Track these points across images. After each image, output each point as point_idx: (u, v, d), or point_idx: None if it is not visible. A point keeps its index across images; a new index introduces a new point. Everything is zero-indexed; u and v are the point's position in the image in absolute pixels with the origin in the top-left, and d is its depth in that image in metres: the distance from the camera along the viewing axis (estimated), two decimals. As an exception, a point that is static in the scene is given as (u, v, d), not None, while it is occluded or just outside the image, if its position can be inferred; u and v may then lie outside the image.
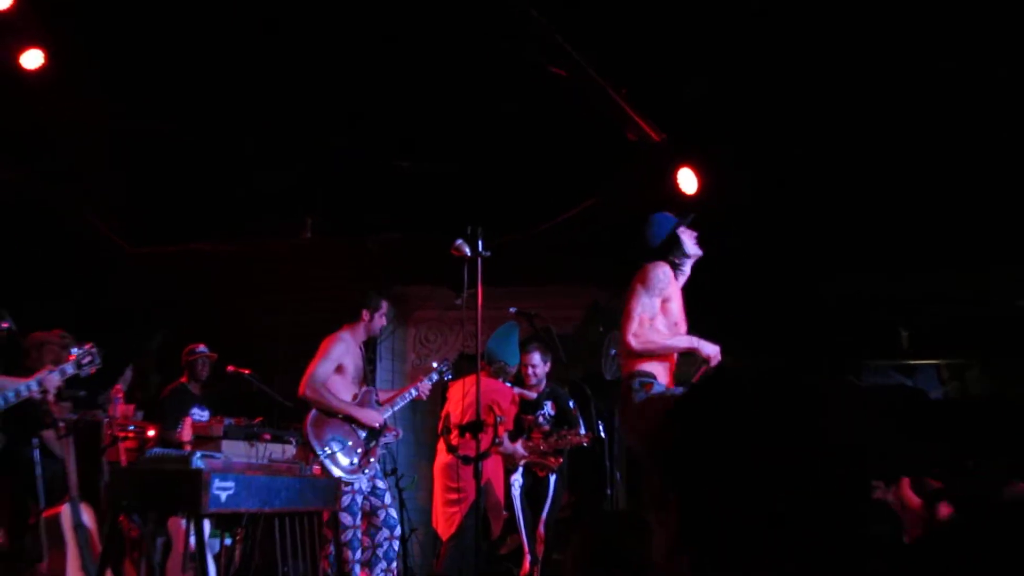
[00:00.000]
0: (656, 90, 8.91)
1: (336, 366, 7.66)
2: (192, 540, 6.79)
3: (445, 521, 8.05)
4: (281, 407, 8.72)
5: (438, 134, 9.84)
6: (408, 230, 10.72)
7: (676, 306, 6.00)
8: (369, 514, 7.61)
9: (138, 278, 11.40)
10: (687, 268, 6.15)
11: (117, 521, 6.02)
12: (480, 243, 6.36)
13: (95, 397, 9.11)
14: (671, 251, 6.05)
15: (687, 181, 9.25)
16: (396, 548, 7.65)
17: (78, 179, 10.68)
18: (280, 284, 11.35)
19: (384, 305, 7.96)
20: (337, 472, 7.33)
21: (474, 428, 6.46)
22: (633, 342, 5.77)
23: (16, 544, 7.66)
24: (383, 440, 7.76)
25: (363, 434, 7.62)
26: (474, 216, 6.51)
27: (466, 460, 7.53)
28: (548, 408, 8.52)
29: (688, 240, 6.10)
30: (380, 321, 7.93)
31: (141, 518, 6.67)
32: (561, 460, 8.31)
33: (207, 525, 7.80)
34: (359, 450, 7.54)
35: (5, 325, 7.44)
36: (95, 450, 8.13)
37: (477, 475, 6.44)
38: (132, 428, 8.56)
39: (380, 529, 7.62)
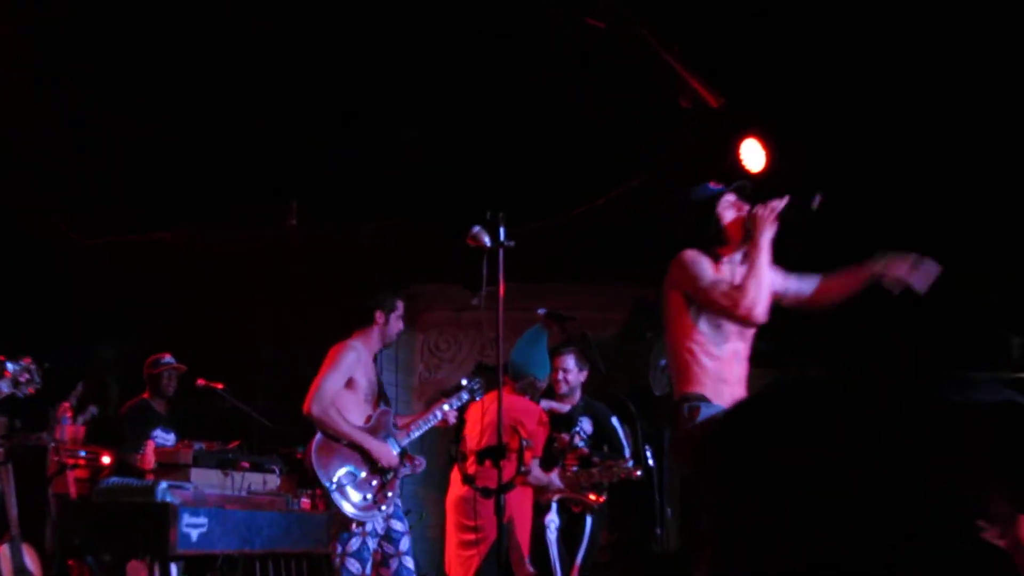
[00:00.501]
0: (714, 46, 8.92)
1: (346, 380, 7.61)
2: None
3: (460, 566, 8.07)
4: (262, 428, 8.76)
5: (450, 100, 9.87)
6: (414, 216, 10.73)
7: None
8: (379, 564, 7.54)
9: (93, 275, 11.45)
10: (734, 255, 6.01)
11: (66, 565, 6.08)
12: (502, 231, 6.34)
13: (37, 417, 9.19)
14: (707, 234, 5.93)
15: (752, 155, 9.23)
16: None
17: (24, 162, 10.74)
18: (260, 281, 11.40)
19: (400, 306, 7.82)
20: (347, 509, 7.27)
21: (495, 454, 6.46)
22: (755, 308, 5.64)
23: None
24: (402, 472, 7.66)
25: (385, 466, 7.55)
26: (494, 199, 6.50)
27: (485, 493, 7.49)
28: (585, 425, 8.53)
29: (730, 217, 5.88)
30: (397, 325, 7.79)
31: (96, 561, 6.71)
32: (603, 499, 8.30)
33: (174, 570, 7.87)
34: (373, 483, 7.46)
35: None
36: (39, 480, 8.18)
37: (499, 511, 6.41)
38: (83, 454, 8.60)
39: None
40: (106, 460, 8.68)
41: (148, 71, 9.78)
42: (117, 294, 11.36)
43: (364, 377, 7.63)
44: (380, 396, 7.79)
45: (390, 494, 7.43)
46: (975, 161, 9.30)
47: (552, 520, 8.25)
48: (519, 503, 8.10)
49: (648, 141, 9.77)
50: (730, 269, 5.97)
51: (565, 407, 8.55)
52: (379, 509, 7.35)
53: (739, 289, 5.66)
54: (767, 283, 5.70)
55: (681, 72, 9.02)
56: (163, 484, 5.65)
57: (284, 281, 11.31)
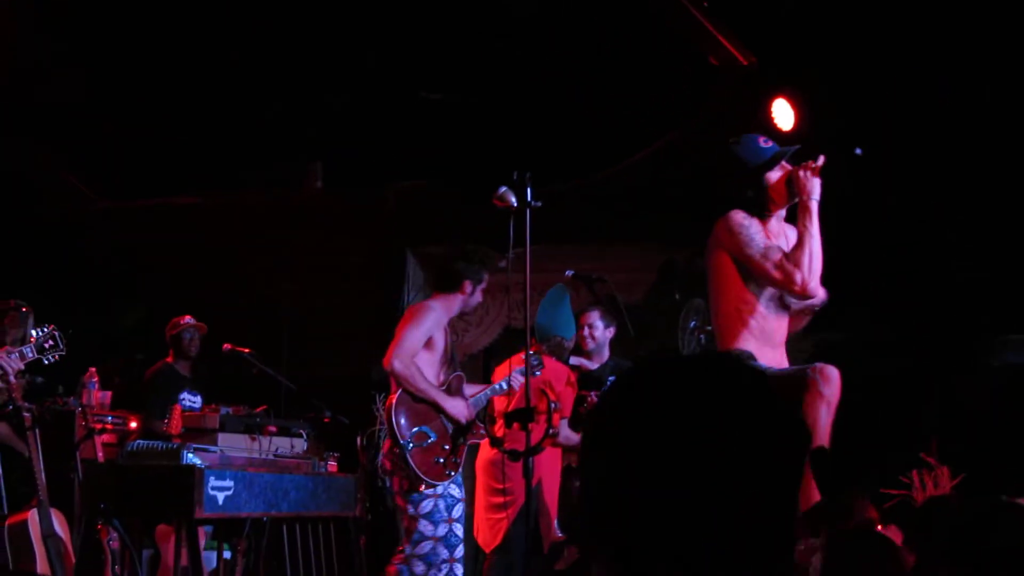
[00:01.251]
0: (745, 3, 8.85)
1: (426, 339, 7.57)
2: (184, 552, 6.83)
3: (488, 530, 8.06)
4: (288, 392, 8.75)
5: (476, 59, 9.81)
6: (440, 177, 10.69)
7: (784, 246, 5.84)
8: None
9: (115, 239, 11.47)
10: (780, 213, 5.95)
11: (93, 529, 6.08)
12: (529, 191, 6.28)
13: (63, 383, 9.21)
14: (748, 195, 5.86)
15: (783, 114, 9.17)
16: (459, 573, 7.53)
17: (38, 121, 10.73)
18: (284, 244, 11.38)
19: (486, 279, 7.65)
20: (419, 469, 7.27)
21: (523, 416, 6.43)
22: (811, 284, 5.57)
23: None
24: (470, 440, 7.60)
25: (451, 429, 7.50)
26: (522, 159, 6.45)
27: (514, 456, 7.47)
28: None
29: (776, 181, 5.82)
30: (478, 298, 7.65)
31: (122, 525, 6.72)
32: None
33: (203, 533, 7.88)
34: (446, 446, 7.42)
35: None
36: (67, 445, 8.20)
37: (527, 474, 6.39)
38: (110, 419, 8.63)
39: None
40: (133, 425, 8.70)
41: (171, 32, 9.76)
42: (140, 258, 11.37)
43: (442, 340, 7.56)
44: (452, 363, 7.71)
45: (458, 460, 7.39)
46: (1009, 122, 9.22)
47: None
48: (548, 466, 8.09)
49: (677, 100, 9.71)
50: (777, 225, 5.90)
51: (593, 365, 8.51)
52: (448, 474, 7.32)
53: (793, 262, 5.58)
54: (819, 253, 5.64)
55: (711, 29, 8.94)
56: (189, 447, 5.64)
57: (309, 244, 11.29)
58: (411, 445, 7.16)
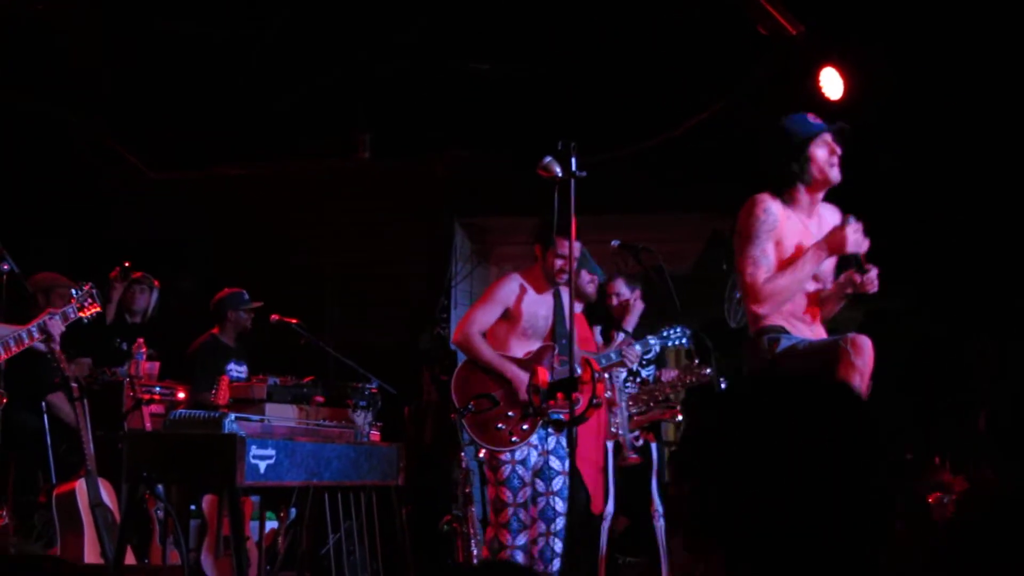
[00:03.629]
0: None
1: (503, 311, 7.55)
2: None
3: None
4: (337, 363, 8.76)
5: (523, 29, 9.76)
6: (487, 147, 10.65)
7: (791, 245, 5.78)
8: (528, 499, 7.48)
9: (163, 209, 11.51)
10: (813, 196, 5.88)
11: (136, 495, 6.10)
12: (574, 161, 6.24)
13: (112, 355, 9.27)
14: (790, 170, 5.80)
15: (832, 83, 9.09)
16: (556, 547, 7.50)
17: (89, 92, 10.77)
18: (331, 215, 11.39)
19: (561, 244, 7.37)
20: (476, 435, 7.29)
21: (567, 386, 6.42)
22: (761, 309, 5.63)
23: (25, 525, 7.82)
24: (553, 412, 7.53)
25: (520, 396, 7.50)
26: (567, 130, 6.40)
27: (558, 426, 7.48)
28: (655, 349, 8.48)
29: (823, 158, 5.83)
30: (553, 262, 7.53)
31: (165, 493, 6.74)
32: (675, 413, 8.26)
33: (251, 504, 7.91)
34: (510, 413, 7.41)
35: (5, 267, 7.57)
36: (115, 416, 8.24)
37: (571, 443, 6.38)
38: (158, 390, 8.66)
39: (536, 521, 7.45)
40: (181, 396, 8.74)
41: (221, 2, 9.77)
42: (189, 229, 11.40)
43: (528, 311, 7.55)
44: (553, 333, 7.66)
45: (526, 427, 7.36)
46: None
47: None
48: (595, 431, 8.06)
49: (725, 69, 9.63)
50: (810, 204, 5.84)
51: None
52: (512, 440, 7.31)
53: (770, 280, 5.58)
54: (796, 288, 5.65)
55: (759, -2, 8.87)
56: (231, 416, 5.65)
57: (356, 214, 11.29)
58: (465, 412, 7.17)
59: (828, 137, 5.79)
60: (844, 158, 5.83)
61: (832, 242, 5.64)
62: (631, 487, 8.38)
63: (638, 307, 8.77)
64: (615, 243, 8.36)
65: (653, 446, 8.43)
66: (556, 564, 7.30)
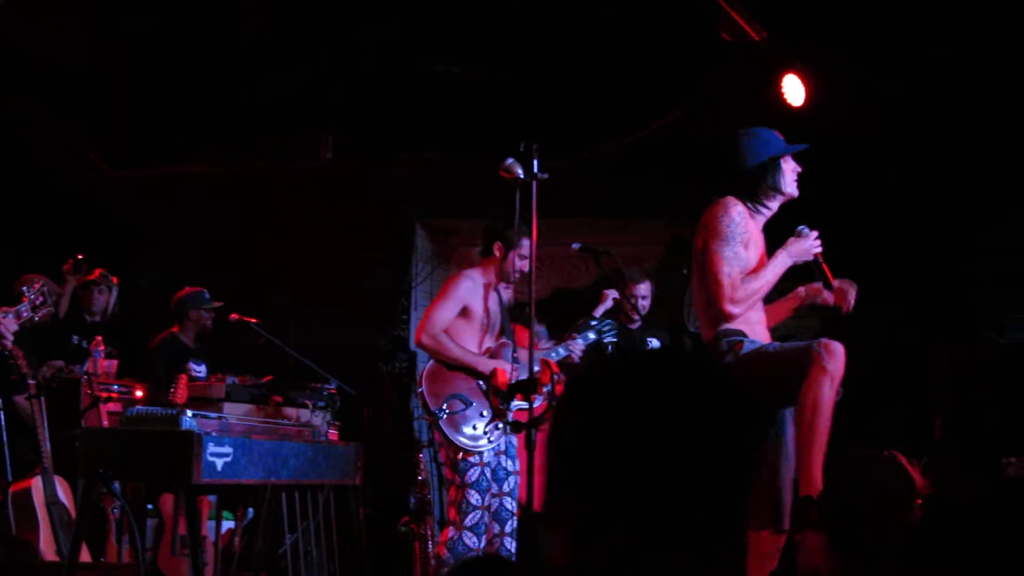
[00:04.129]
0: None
1: (460, 309, 7.53)
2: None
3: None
4: (295, 363, 8.74)
5: (487, 32, 9.77)
6: (450, 149, 10.65)
7: (755, 253, 5.85)
8: None
9: (123, 207, 11.45)
10: (773, 206, 5.98)
11: (91, 493, 6.05)
12: (535, 163, 6.24)
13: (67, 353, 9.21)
14: (761, 181, 5.86)
15: (794, 90, 9.13)
16: (510, 547, 7.48)
17: (50, 89, 10.71)
18: (293, 215, 11.36)
19: (525, 245, 7.35)
20: (459, 439, 7.25)
21: (526, 388, 6.41)
22: (735, 309, 5.66)
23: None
24: (514, 406, 7.53)
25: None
26: (531, 132, 6.40)
27: (515, 427, 7.45)
28: (655, 343, 8.47)
29: (789, 173, 5.90)
30: (516, 263, 7.52)
31: (122, 490, 6.70)
32: None
33: (210, 502, 7.87)
34: (484, 413, 7.40)
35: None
36: (72, 414, 8.19)
37: (530, 445, 6.36)
38: (116, 387, 8.61)
39: (491, 523, 7.41)
40: (139, 394, 8.69)
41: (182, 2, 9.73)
42: (149, 226, 11.35)
43: (481, 308, 7.51)
44: (503, 331, 7.68)
45: (500, 426, 7.34)
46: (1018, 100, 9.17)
47: None
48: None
49: (688, 74, 9.66)
50: (757, 225, 5.89)
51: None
52: (488, 440, 7.29)
53: (742, 284, 5.61)
54: (764, 291, 5.76)
55: (723, 4, 8.88)
56: (188, 413, 5.62)
57: (318, 215, 11.27)
58: (443, 414, 7.14)
59: (789, 156, 5.88)
60: (805, 166, 5.91)
61: (796, 251, 5.71)
62: None
63: (610, 300, 8.74)
64: (575, 246, 8.37)
65: None
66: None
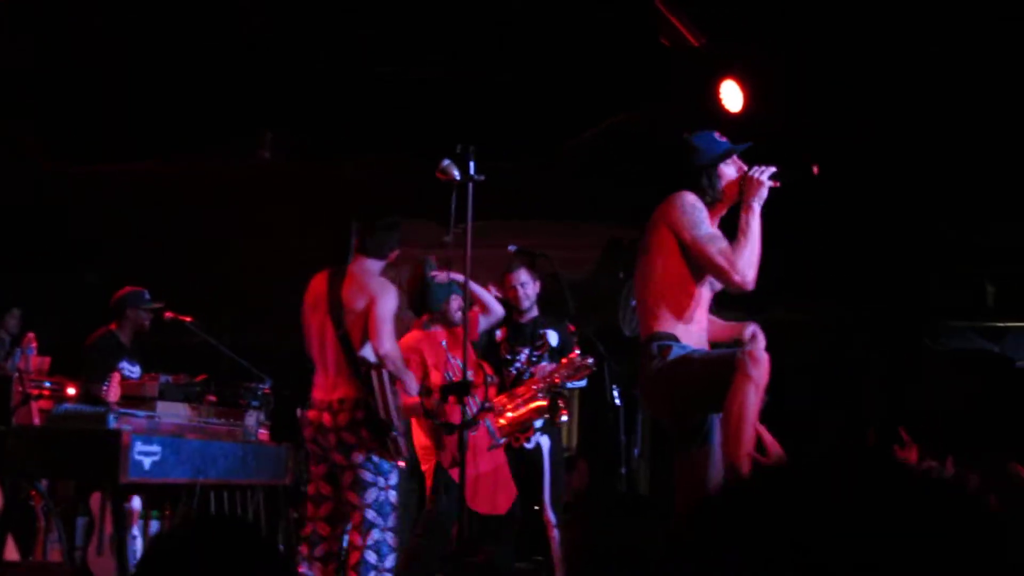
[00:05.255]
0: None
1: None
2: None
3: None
4: (230, 362, 8.70)
5: (428, 34, 9.75)
6: (389, 150, 10.62)
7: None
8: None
9: (66, 203, 11.36)
10: (720, 213, 5.97)
11: (17, 491, 6.01)
12: (471, 166, 6.24)
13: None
14: (702, 185, 5.86)
15: (732, 96, 9.16)
16: (391, 542, 7.42)
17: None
18: (235, 214, 11.30)
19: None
20: (399, 461, 7.17)
21: (459, 390, 6.41)
22: (748, 276, 5.57)
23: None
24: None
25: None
26: (470, 134, 6.40)
27: (448, 429, 7.44)
28: (551, 338, 8.40)
29: (731, 176, 5.81)
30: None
31: (49, 489, 6.64)
32: (547, 403, 8.12)
33: (137, 501, 7.81)
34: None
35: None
36: (2, 411, 8.11)
37: (462, 447, 6.37)
38: (48, 384, 8.53)
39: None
40: (71, 391, 8.61)
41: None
42: (92, 224, 11.28)
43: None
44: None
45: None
46: (957, 109, 9.24)
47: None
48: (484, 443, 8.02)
49: (626, 81, 9.67)
50: (716, 221, 5.91)
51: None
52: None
53: (734, 252, 5.59)
54: (759, 249, 5.64)
55: (662, 9, 8.89)
56: (116, 411, 5.58)
57: (257, 215, 11.22)
58: (399, 433, 7.04)
59: (735, 156, 5.86)
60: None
61: (750, 192, 5.67)
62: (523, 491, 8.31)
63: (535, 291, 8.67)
64: (512, 248, 8.34)
65: (545, 450, 8.30)
66: (390, 560, 7.15)
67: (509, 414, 8.04)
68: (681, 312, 5.74)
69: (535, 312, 8.46)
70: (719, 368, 5.47)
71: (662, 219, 5.75)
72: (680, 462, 5.83)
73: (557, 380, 8.05)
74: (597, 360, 8.10)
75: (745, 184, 5.71)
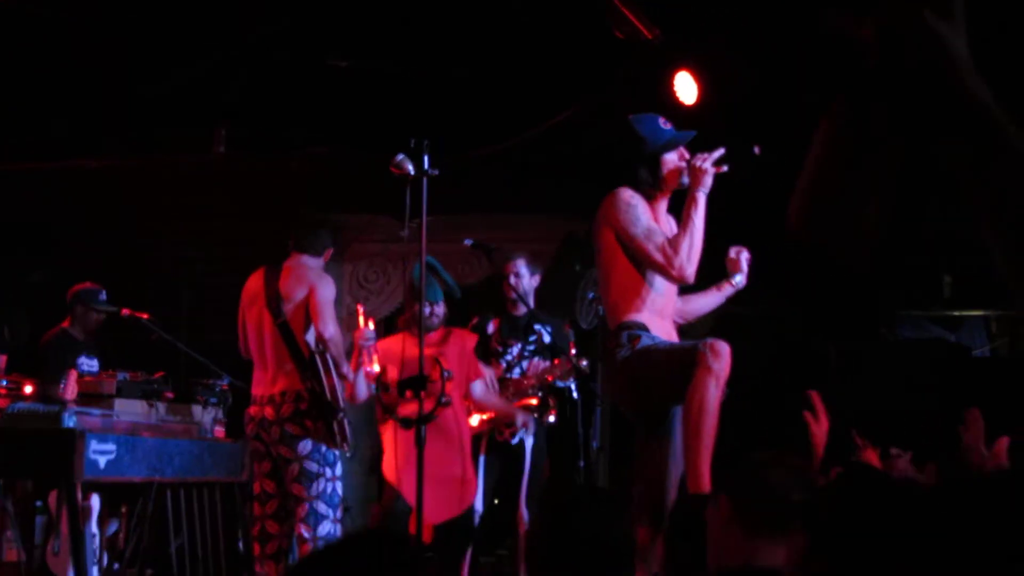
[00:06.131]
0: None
1: None
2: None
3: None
4: (187, 359, 8.66)
5: (382, 26, 9.72)
6: (344, 144, 10.59)
7: (667, 229, 5.87)
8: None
9: (15, 200, 11.27)
10: (664, 200, 5.97)
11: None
12: (426, 159, 6.21)
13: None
14: (642, 174, 5.85)
15: (686, 88, 9.16)
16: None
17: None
18: (185, 210, 11.24)
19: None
20: (344, 446, 7.16)
21: (416, 384, 6.40)
22: (687, 271, 5.62)
23: None
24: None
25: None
26: (425, 128, 6.37)
27: (406, 424, 7.40)
28: (545, 336, 8.35)
29: (673, 163, 5.83)
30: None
31: (6, 488, 6.59)
32: (538, 401, 8.14)
33: (96, 500, 7.76)
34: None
35: None
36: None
37: (420, 442, 6.33)
38: (4, 383, 8.47)
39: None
40: (28, 390, 8.54)
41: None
42: (40, 222, 11.19)
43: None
44: None
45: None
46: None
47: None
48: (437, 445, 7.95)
49: (580, 73, 9.67)
50: (662, 209, 5.92)
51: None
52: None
53: (673, 246, 5.61)
54: (700, 241, 5.68)
55: (616, 2, 8.89)
56: (71, 409, 5.55)
57: (211, 210, 11.16)
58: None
59: (679, 144, 5.86)
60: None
61: (695, 182, 5.67)
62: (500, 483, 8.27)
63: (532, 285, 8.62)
64: (468, 242, 8.31)
65: (528, 448, 8.26)
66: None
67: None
68: (645, 304, 5.77)
69: (531, 305, 8.41)
70: (680, 361, 5.50)
71: (603, 219, 5.80)
72: (641, 453, 5.86)
73: (550, 379, 8.08)
74: (559, 354, 8.11)
75: (690, 173, 5.72)
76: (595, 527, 3.69)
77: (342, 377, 7.04)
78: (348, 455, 7.33)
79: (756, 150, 5.87)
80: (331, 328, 6.98)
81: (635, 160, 5.83)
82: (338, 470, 7.03)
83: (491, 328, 8.43)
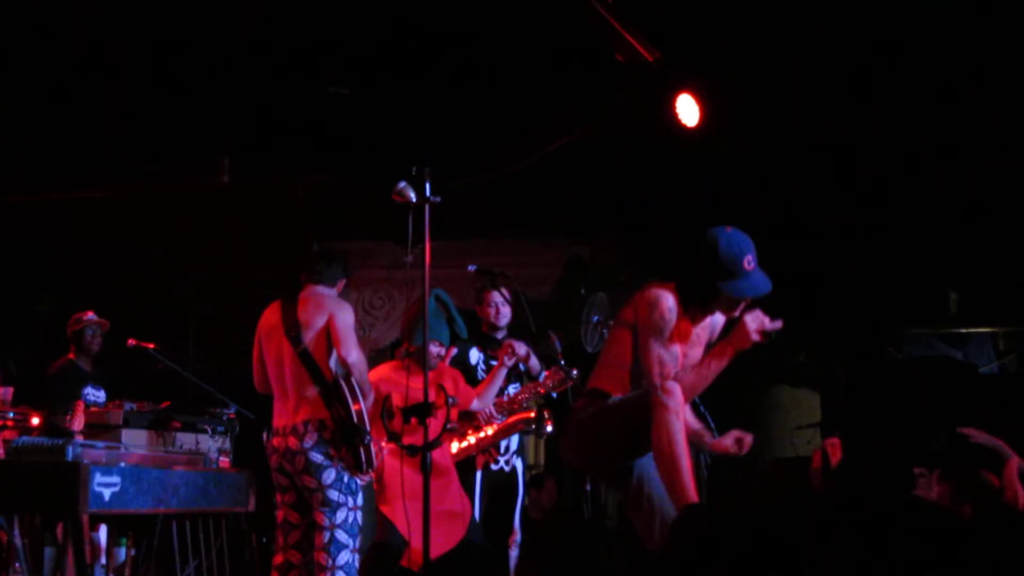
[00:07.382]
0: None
1: None
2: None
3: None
4: (194, 388, 8.68)
5: (385, 53, 9.75)
6: (348, 171, 10.62)
7: (695, 350, 5.78)
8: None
9: (17, 232, 11.31)
10: (703, 333, 5.85)
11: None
12: (428, 186, 6.23)
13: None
14: (698, 293, 5.70)
15: (688, 111, 9.20)
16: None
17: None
18: (191, 239, 11.27)
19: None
20: (371, 471, 7.16)
21: (421, 412, 6.40)
22: (672, 395, 5.49)
23: None
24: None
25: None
26: (427, 154, 6.40)
27: (411, 451, 7.40)
28: (520, 350, 8.38)
29: (726, 304, 5.67)
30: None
31: (8, 522, 6.61)
32: (534, 415, 8.15)
33: (103, 531, 7.78)
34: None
35: None
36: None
37: (425, 468, 6.33)
38: (12, 415, 8.49)
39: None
40: (35, 421, 8.57)
41: (75, 22, 9.60)
42: (46, 252, 11.23)
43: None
44: None
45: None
46: (915, 116, 9.30)
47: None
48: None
49: (582, 98, 9.69)
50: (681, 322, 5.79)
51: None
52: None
53: (680, 374, 5.59)
54: (701, 389, 5.67)
55: (616, 26, 8.92)
56: (76, 442, 5.57)
57: (216, 238, 11.19)
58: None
59: (747, 298, 5.70)
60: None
61: (737, 340, 5.57)
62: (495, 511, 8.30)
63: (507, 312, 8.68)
64: (471, 268, 8.35)
65: (520, 473, 8.35)
66: None
67: (497, 423, 8.14)
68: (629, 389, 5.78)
69: (505, 330, 8.50)
70: (637, 410, 5.50)
71: (635, 310, 5.71)
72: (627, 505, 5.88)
73: (543, 391, 8.13)
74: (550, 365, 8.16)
75: (738, 329, 5.58)
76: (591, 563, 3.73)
77: (364, 400, 7.06)
78: (371, 480, 7.33)
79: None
80: (354, 353, 6.99)
81: (696, 274, 5.68)
82: (359, 500, 7.05)
83: (474, 357, 8.49)
